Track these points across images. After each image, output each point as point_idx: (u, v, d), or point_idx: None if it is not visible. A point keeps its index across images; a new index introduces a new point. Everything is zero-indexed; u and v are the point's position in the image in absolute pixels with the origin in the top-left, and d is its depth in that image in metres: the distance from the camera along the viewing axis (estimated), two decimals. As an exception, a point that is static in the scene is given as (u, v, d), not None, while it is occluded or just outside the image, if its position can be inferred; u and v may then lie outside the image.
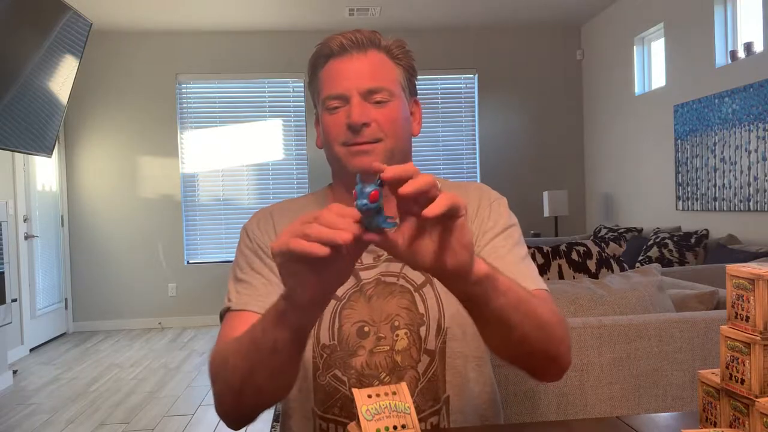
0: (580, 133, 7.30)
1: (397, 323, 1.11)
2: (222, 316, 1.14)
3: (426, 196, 0.73)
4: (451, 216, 0.75)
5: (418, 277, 1.14)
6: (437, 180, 0.75)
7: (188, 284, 6.82)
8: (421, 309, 1.12)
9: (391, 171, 0.72)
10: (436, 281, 1.14)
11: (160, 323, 6.76)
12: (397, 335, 1.10)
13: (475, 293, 0.84)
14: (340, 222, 0.74)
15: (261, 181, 6.96)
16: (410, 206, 0.75)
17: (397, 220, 0.78)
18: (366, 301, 1.12)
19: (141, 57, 6.74)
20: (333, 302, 1.13)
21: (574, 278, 2.50)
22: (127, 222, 6.76)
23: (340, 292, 1.13)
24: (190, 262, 6.90)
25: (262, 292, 1.10)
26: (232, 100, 6.92)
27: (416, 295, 1.13)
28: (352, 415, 1.09)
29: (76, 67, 4.20)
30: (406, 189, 0.72)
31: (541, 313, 0.93)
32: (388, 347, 1.10)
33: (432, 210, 0.72)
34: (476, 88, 7.11)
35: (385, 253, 1.15)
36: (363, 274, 1.15)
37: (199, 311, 6.58)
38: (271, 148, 6.90)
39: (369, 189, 0.75)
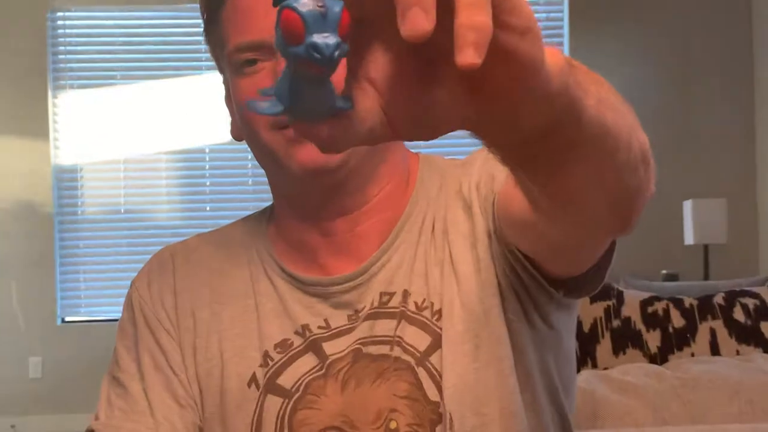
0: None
1: (394, 425, 0.77)
2: None
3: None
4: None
5: (422, 340, 0.76)
6: None
7: (61, 360, 4.54)
8: (432, 394, 0.75)
9: None
10: (448, 337, 0.75)
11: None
12: None
13: (561, 108, 0.43)
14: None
15: (192, 179, 4.95)
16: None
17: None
18: (338, 390, 0.78)
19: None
20: (279, 400, 0.79)
21: (738, 353, 2.19)
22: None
23: (288, 383, 0.78)
24: (66, 320, 4.79)
25: (141, 408, 0.82)
26: (142, 40, 4.89)
27: (420, 370, 0.76)
28: None
29: None
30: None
31: (617, 97, 0.55)
32: None
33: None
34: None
35: (366, 307, 0.78)
36: (329, 347, 0.78)
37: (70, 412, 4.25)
38: (209, 122, 4.62)
39: (338, 8, 0.38)
